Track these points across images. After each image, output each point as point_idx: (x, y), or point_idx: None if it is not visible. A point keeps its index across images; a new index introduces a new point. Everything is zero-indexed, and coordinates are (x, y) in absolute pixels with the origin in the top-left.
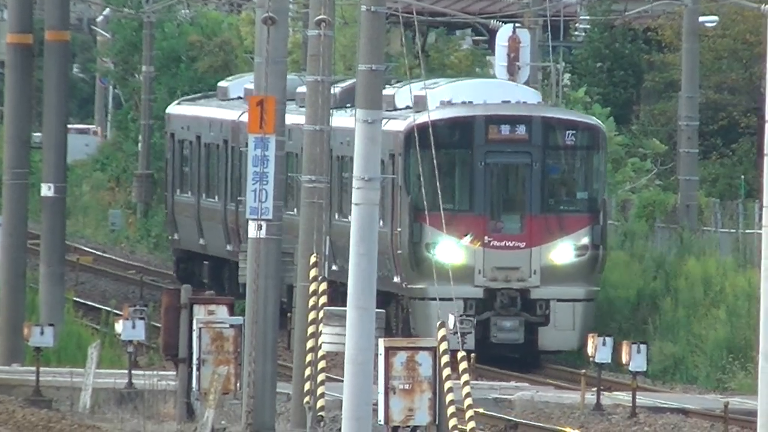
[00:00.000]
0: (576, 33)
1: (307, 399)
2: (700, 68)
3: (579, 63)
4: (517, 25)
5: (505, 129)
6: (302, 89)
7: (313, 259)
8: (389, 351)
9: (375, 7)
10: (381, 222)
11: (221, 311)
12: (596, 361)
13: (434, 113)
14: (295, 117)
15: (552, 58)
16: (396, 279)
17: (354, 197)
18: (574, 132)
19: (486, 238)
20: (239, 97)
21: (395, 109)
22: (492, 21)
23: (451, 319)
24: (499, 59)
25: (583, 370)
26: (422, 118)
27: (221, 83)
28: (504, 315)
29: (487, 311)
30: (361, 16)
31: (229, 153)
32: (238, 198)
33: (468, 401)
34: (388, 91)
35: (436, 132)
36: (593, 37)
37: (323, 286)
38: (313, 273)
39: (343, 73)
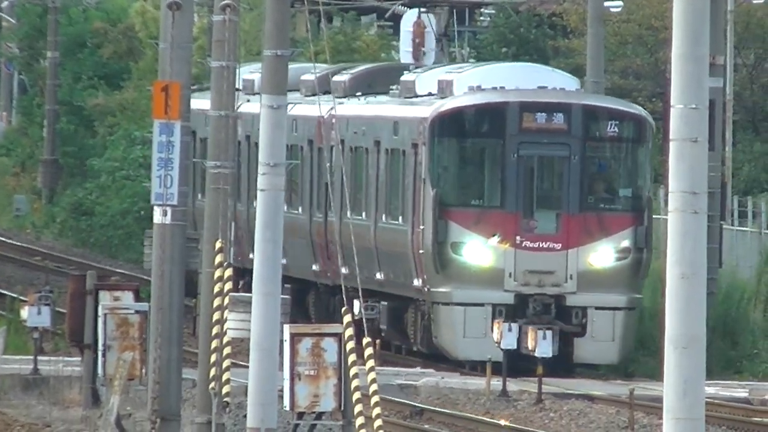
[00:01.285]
0: (481, 18)
1: (212, 385)
2: (605, 53)
3: (484, 48)
4: (422, 10)
5: (541, 117)
6: (307, 77)
7: (218, 245)
8: (294, 337)
9: None
10: (401, 218)
11: (127, 297)
12: (501, 347)
13: (463, 99)
14: (302, 108)
15: (457, 43)
16: (416, 282)
17: (259, 183)
18: (617, 122)
19: (518, 238)
20: (237, 89)
21: (416, 96)
22: (397, 6)
23: (356, 305)
24: (404, 44)
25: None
26: (450, 103)
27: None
28: (537, 323)
29: (518, 319)
30: (266, 1)
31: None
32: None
33: (373, 387)
34: (408, 76)
35: (465, 119)
36: (498, 23)
37: (228, 272)
38: (218, 259)
39: (244, 59)
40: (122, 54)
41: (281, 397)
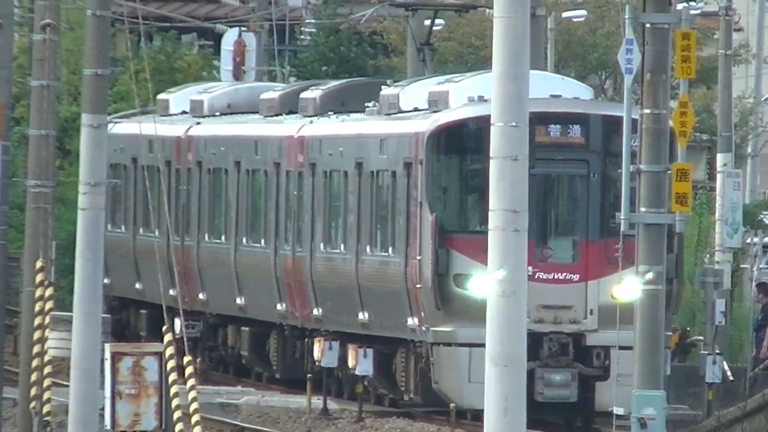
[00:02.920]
0: (302, 37)
1: (33, 404)
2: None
3: (305, 67)
4: (242, 29)
5: (556, 130)
6: (268, 95)
7: (39, 264)
8: (115, 356)
9: (100, 12)
10: (391, 249)
11: None
12: (322, 365)
13: (464, 110)
14: (264, 128)
15: (278, 61)
16: (411, 321)
17: (80, 202)
18: None
19: (530, 268)
20: (184, 112)
21: (401, 111)
22: (218, 25)
23: (177, 324)
24: (225, 63)
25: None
26: (450, 116)
27: (161, 96)
28: (552, 366)
29: (531, 361)
30: (86, 21)
31: (173, 175)
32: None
33: (194, 406)
34: (390, 90)
35: (467, 133)
36: (319, 41)
37: (49, 290)
38: (39, 278)
39: (66, 77)
40: None
41: (102, 416)
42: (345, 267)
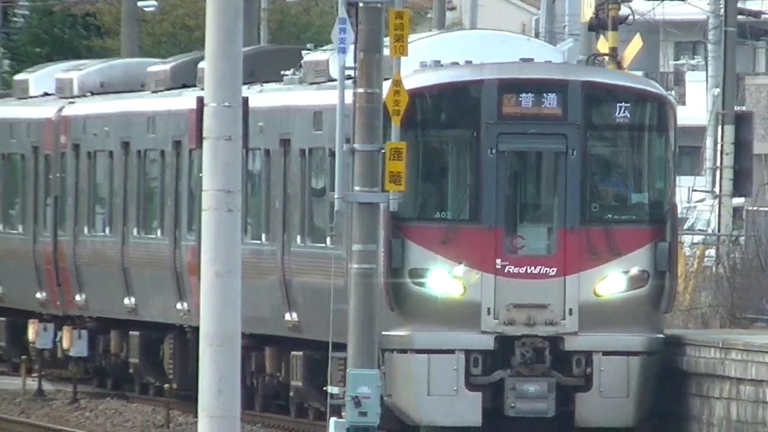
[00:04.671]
0: (15, 19)
1: None
2: (140, 53)
3: (18, 48)
4: None
5: (528, 100)
6: (157, 68)
7: None
8: None
9: None
10: (328, 240)
11: None
12: (37, 346)
13: (418, 77)
14: (154, 102)
15: None
16: None
17: None
18: (630, 105)
19: (498, 261)
20: (46, 93)
21: (331, 80)
22: None
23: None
24: None
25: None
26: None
27: (19, 77)
28: (526, 375)
29: (501, 369)
30: None
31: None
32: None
33: None
34: (315, 56)
35: (424, 105)
36: (33, 23)
37: None
38: None
39: None
40: None
41: None
42: (270, 262)
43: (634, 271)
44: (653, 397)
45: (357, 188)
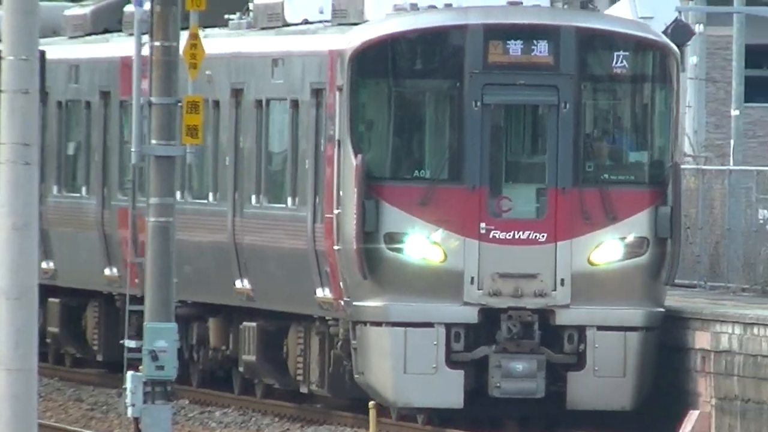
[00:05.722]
0: None
1: None
2: None
3: None
4: None
5: (516, 47)
6: (74, 12)
7: None
8: None
9: None
10: (290, 200)
11: None
12: None
13: (396, 22)
14: (81, 49)
15: None
16: (322, 293)
17: None
18: (628, 53)
19: (483, 225)
20: None
21: (287, 25)
22: None
23: None
24: None
25: None
26: (378, 29)
27: None
28: (513, 352)
29: (485, 345)
30: None
31: None
32: None
33: None
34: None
35: (403, 52)
36: None
37: None
38: None
39: None
40: None
41: None
42: (219, 224)
43: (632, 237)
44: (652, 376)
45: (154, 141)
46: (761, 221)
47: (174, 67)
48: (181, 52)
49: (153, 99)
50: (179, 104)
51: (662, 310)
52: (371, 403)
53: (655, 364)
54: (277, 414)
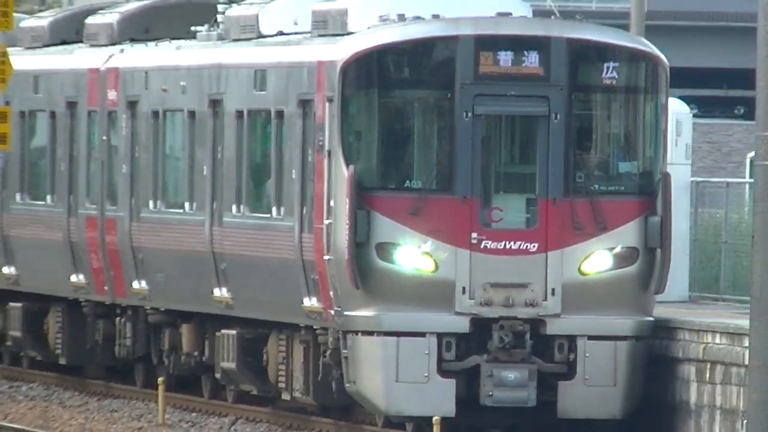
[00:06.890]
0: None
1: None
2: None
3: None
4: None
5: (507, 58)
6: (32, 23)
7: None
8: None
9: None
10: (275, 211)
11: None
12: None
13: (387, 33)
14: (41, 60)
15: None
16: (309, 302)
17: None
18: (619, 64)
19: (473, 235)
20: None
21: (262, 36)
22: None
23: None
24: None
25: None
26: (370, 40)
27: None
28: (504, 361)
29: (477, 355)
30: None
31: None
32: None
33: None
34: (240, 10)
35: (395, 63)
36: None
37: None
38: None
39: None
40: None
41: None
42: (196, 233)
43: (622, 248)
44: (643, 386)
45: None
46: None
47: None
48: None
49: None
50: None
51: (652, 319)
52: (160, 379)
53: (646, 373)
54: (251, 419)
